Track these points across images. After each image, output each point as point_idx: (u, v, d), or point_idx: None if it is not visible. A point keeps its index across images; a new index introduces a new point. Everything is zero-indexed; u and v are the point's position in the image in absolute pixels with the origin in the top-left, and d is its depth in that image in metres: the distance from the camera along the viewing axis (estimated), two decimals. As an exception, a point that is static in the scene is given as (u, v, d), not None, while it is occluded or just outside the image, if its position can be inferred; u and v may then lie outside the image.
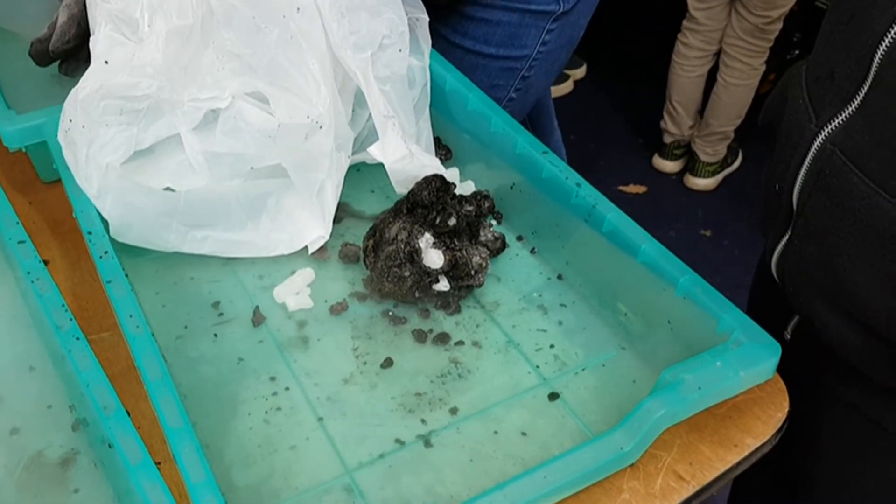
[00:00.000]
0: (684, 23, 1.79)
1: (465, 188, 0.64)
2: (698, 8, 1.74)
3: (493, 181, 0.63)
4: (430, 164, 0.57)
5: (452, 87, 0.65)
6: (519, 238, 0.62)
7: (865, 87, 0.48)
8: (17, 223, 0.51)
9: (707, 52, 1.78)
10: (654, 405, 0.41)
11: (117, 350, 0.53)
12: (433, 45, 0.67)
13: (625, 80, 2.24)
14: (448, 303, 0.56)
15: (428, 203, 0.55)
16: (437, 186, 0.55)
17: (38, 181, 0.66)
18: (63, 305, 0.46)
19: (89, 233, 0.51)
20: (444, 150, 0.67)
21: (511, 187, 0.62)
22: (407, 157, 0.56)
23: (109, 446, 0.40)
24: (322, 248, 0.60)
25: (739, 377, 0.43)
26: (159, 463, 0.44)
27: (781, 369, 0.48)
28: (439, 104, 0.68)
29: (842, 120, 0.50)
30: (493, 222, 0.62)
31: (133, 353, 0.44)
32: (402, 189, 0.57)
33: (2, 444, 0.46)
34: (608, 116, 2.15)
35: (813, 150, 0.52)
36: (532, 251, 0.61)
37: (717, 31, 1.75)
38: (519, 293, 0.57)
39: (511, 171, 0.62)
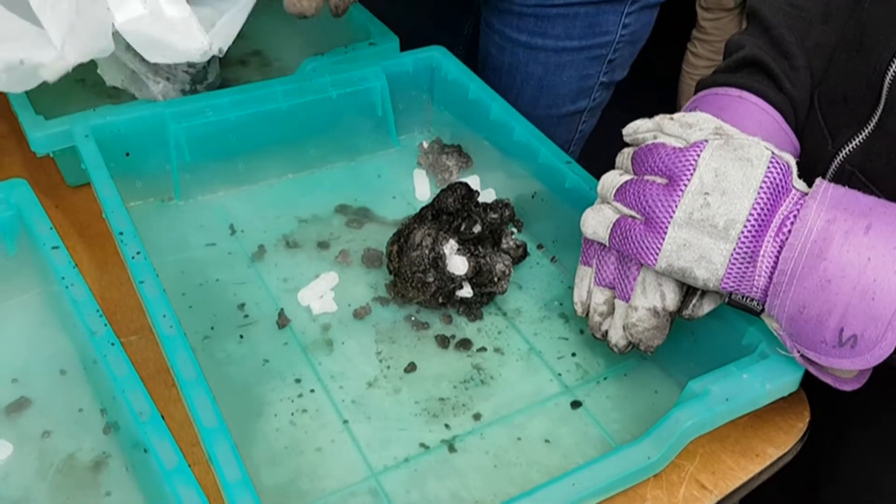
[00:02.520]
0: (694, 32, 1.80)
1: (485, 196, 0.64)
2: (707, 18, 1.75)
3: (514, 189, 0.64)
4: (182, 23, 0.44)
5: (475, 96, 0.66)
6: (539, 246, 0.62)
7: (879, 111, 0.50)
8: (51, 228, 0.52)
9: (717, 61, 1.78)
10: (682, 415, 0.42)
11: (146, 354, 0.53)
12: (512, 56, 0.67)
13: (634, 90, 2.23)
14: (470, 309, 0.56)
15: (453, 210, 0.56)
16: (462, 194, 0.56)
17: (63, 185, 0.66)
18: (97, 310, 0.47)
19: (121, 233, 0.51)
20: (465, 158, 0.68)
21: (532, 196, 0.62)
22: (145, 18, 0.45)
23: (145, 451, 0.40)
24: (345, 252, 0.60)
25: (766, 390, 0.43)
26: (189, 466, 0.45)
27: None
28: (461, 113, 0.69)
29: (859, 142, 0.51)
30: (514, 230, 0.63)
31: (166, 353, 0.45)
32: (156, 58, 0.47)
33: (34, 446, 0.47)
34: (618, 126, 2.15)
35: (831, 171, 0.54)
36: (552, 260, 0.61)
37: (724, 41, 1.75)
38: (540, 301, 0.58)
39: (532, 180, 0.62)
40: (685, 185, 0.44)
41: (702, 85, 0.58)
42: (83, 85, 0.78)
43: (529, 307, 0.58)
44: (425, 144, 0.70)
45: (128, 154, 0.62)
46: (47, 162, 0.65)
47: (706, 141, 0.45)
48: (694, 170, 0.44)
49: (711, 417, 0.42)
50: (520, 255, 0.59)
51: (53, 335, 0.52)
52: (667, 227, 0.44)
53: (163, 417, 0.43)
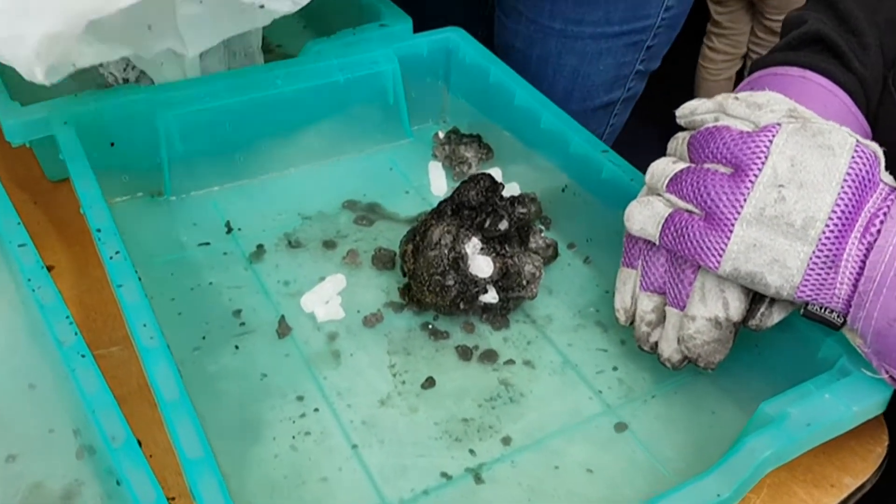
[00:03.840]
0: (709, 27, 1.75)
1: (508, 191, 0.58)
2: (720, 12, 1.70)
3: (540, 183, 0.58)
4: None
5: (497, 79, 0.60)
6: (570, 246, 0.56)
7: None
8: (19, 224, 0.46)
9: (733, 55, 1.73)
10: (758, 444, 0.35)
11: (128, 367, 0.47)
12: (543, 48, 0.61)
13: (650, 86, 2.18)
14: (495, 316, 0.50)
15: (475, 204, 0.49)
16: (485, 186, 0.50)
17: (43, 179, 0.61)
18: (67, 317, 0.41)
19: (98, 230, 0.45)
20: (485, 149, 0.62)
21: (563, 190, 0.56)
22: None
23: (117, 483, 0.34)
24: (353, 253, 0.54)
25: (853, 412, 0.37)
26: (173, 499, 0.39)
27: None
28: (481, 100, 0.62)
29: None
30: (542, 228, 0.56)
31: (146, 370, 0.39)
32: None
33: (-6, 471, 0.40)
34: (634, 123, 2.09)
35: None
36: (586, 260, 0.55)
37: (742, 34, 1.70)
38: (573, 307, 0.51)
39: (562, 172, 0.56)
40: (755, 176, 0.38)
41: (758, 65, 0.52)
42: (71, 75, 0.73)
43: (562, 314, 0.51)
44: (441, 135, 0.63)
45: (112, 144, 0.56)
46: (26, 154, 0.59)
47: (779, 124, 0.38)
48: (766, 158, 0.38)
49: (792, 446, 0.36)
50: (549, 255, 0.53)
51: (22, 344, 0.46)
52: (733, 225, 0.38)
53: (139, 443, 0.36)
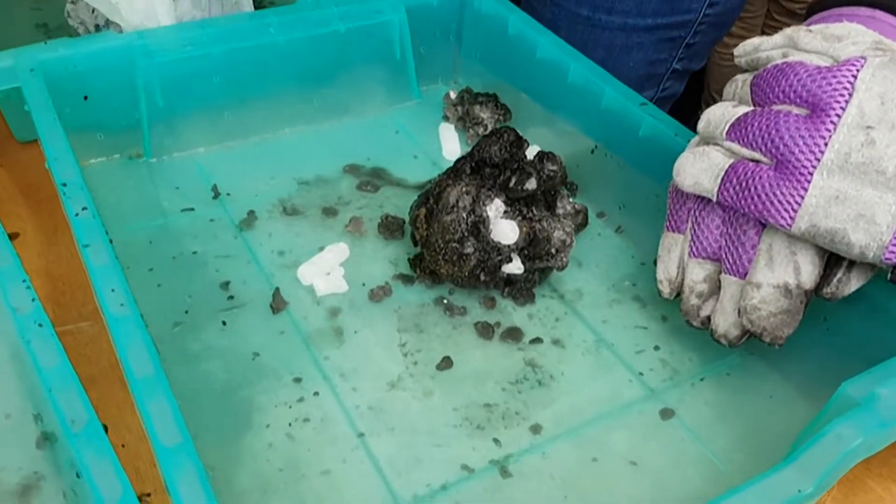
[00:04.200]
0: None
1: (530, 154, 0.52)
2: None
3: (565, 147, 0.52)
4: None
5: (517, 30, 0.54)
6: (600, 215, 0.50)
7: None
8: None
9: (748, 38, 1.68)
10: (846, 431, 0.29)
11: (99, 344, 0.41)
12: (568, 35, 0.54)
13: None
14: (520, 290, 0.44)
15: (499, 161, 0.43)
16: (510, 140, 0.44)
17: (11, 140, 0.55)
18: (24, 281, 0.35)
19: (64, 185, 0.39)
20: (501, 110, 0.56)
21: (592, 151, 0.50)
22: None
23: (77, 475, 0.28)
24: (356, 221, 0.48)
25: (957, 393, 0.31)
26: (148, 495, 0.33)
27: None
28: (497, 53, 0.56)
29: None
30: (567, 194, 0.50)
31: (114, 342, 0.33)
32: None
33: (-63, 462, 0.34)
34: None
35: None
36: (618, 230, 0.49)
37: (758, 17, 1.65)
38: (607, 281, 0.46)
39: (587, 136, 0.50)
40: (838, 116, 0.32)
41: (815, 8, 0.46)
42: (45, 30, 0.67)
43: (593, 288, 0.45)
44: (452, 95, 0.57)
45: (86, 98, 0.50)
46: (-9, 111, 0.53)
47: (863, 58, 0.33)
48: (850, 95, 0.32)
49: (885, 432, 0.30)
50: (579, 223, 0.47)
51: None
52: (811, 174, 0.32)
53: (106, 429, 0.30)
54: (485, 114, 0.55)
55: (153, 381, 0.31)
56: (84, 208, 0.38)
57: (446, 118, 0.57)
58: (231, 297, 0.43)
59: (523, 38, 0.53)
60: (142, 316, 0.35)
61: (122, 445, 0.38)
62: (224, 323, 0.42)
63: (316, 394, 0.39)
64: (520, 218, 0.42)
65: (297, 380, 0.39)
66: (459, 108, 0.56)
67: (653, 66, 0.70)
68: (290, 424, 0.37)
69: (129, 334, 0.32)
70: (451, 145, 0.55)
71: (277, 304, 0.43)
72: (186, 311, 0.42)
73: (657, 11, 0.66)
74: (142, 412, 0.30)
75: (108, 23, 0.54)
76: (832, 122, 0.32)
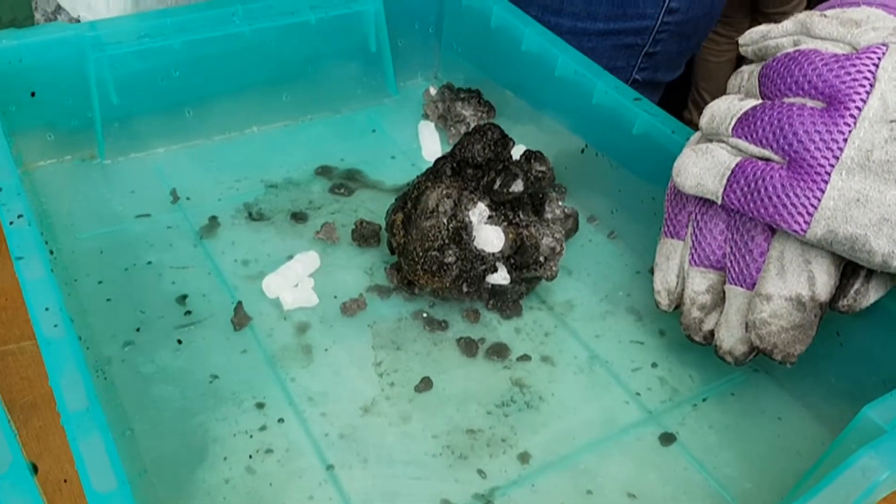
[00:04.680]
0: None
1: (516, 153, 0.49)
2: None
3: (552, 147, 0.48)
4: None
5: (501, 21, 0.50)
6: (591, 219, 0.47)
7: None
8: None
9: (735, 36, 1.66)
10: (871, 463, 0.26)
11: (41, 367, 0.37)
12: None
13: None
14: (505, 302, 0.40)
15: (482, 161, 0.40)
16: (494, 139, 0.40)
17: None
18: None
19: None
20: (485, 107, 0.52)
21: (582, 151, 0.47)
22: None
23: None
24: (328, 227, 0.44)
25: None
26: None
27: None
28: (480, 46, 0.53)
29: None
30: (556, 197, 0.47)
31: (46, 366, 0.29)
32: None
33: None
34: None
35: None
36: (610, 235, 0.46)
37: (743, 23, 1.63)
38: (599, 291, 0.42)
39: (576, 135, 0.47)
40: (858, 109, 0.29)
41: None
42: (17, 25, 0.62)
43: (585, 299, 0.42)
44: (433, 91, 0.54)
45: (33, 94, 0.46)
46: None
47: (885, 45, 0.30)
48: (871, 86, 0.29)
49: (916, 465, 0.27)
50: (569, 228, 0.43)
51: None
52: (828, 173, 0.29)
53: (35, 468, 0.26)
54: (467, 111, 0.52)
55: (87, 416, 0.27)
56: (20, 216, 0.34)
57: (426, 116, 0.53)
58: (188, 313, 0.39)
59: (507, 30, 0.50)
60: (80, 338, 0.32)
61: (65, 481, 0.34)
62: (180, 341, 0.38)
63: (280, 420, 0.35)
64: (505, 223, 0.39)
65: (260, 405, 0.35)
66: (440, 106, 0.53)
67: (611, 73, 0.66)
68: (250, 456, 0.33)
69: (62, 360, 0.28)
70: (432, 145, 0.51)
71: (240, 319, 0.39)
72: (138, 329, 0.38)
73: (609, 15, 0.62)
74: (74, 451, 0.26)
75: (58, 8, 0.50)
76: (851, 115, 0.29)
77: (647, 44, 0.65)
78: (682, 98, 1.80)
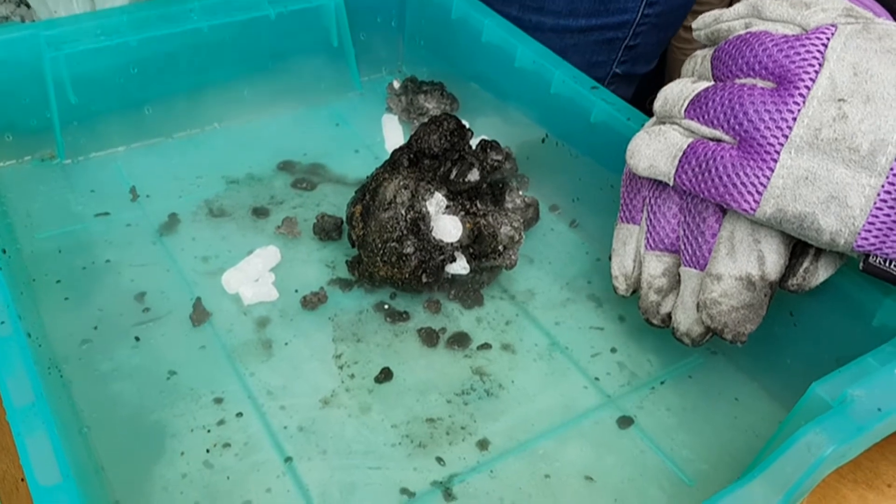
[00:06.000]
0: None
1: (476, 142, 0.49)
2: None
3: (515, 136, 0.49)
4: None
5: (461, 13, 0.50)
6: (553, 208, 0.47)
7: None
8: None
9: None
10: (816, 438, 0.26)
11: None
12: None
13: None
14: (466, 292, 0.41)
15: (438, 151, 0.40)
16: (450, 129, 0.40)
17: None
18: None
19: (-55, 190, 0.35)
20: (448, 99, 0.52)
21: (542, 141, 0.47)
22: None
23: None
24: (290, 221, 0.44)
25: (937, 392, 0.28)
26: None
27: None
28: (442, 39, 0.53)
29: None
30: (517, 187, 0.47)
31: (-6, 366, 0.29)
32: None
33: None
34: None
35: None
36: (572, 224, 0.46)
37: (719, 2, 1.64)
38: (560, 279, 0.43)
39: (539, 125, 0.47)
40: (807, 88, 0.29)
41: None
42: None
43: (546, 287, 0.42)
44: (396, 84, 0.54)
45: (-11, 95, 0.45)
46: None
47: (834, 26, 0.30)
48: (819, 66, 0.29)
49: (860, 439, 0.27)
50: (529, 217, 0.44)
51: None
52: (777, 152, 0.29)
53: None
54: (430, 104, 0.52)
55: (32, 412, 0.26)
56: (-33, 214, 0.34)
57: (390, 109, 0.53)
58: (147, 310, 0.39)
59: (467, 22, 0.50)
60: (31, 336, 0.31)
61: (22, 479, 0.34)
62: (137, 339, 0.38)
63: (239, 415, 0.35)
64: (463, 213, 0.39)
65: (218, 400, 0.35)
66: (403, 99, 0.53)
67: (591, 69, 0.66)
68: (207, 451, 0.33)
69: (8, 357, 0.28)
70: (395, 138, 0.51)
71: (198, 315, 0.39)
72: (96, 327, 0.38)
73: (591, 12, 0.62)
74: (18, 446, 0.26)
75: (23, 16, 0.50)
76: (801, 94, 0.29)
77: (628, 37, 0.65)
78: (656, 90, 1.80)
